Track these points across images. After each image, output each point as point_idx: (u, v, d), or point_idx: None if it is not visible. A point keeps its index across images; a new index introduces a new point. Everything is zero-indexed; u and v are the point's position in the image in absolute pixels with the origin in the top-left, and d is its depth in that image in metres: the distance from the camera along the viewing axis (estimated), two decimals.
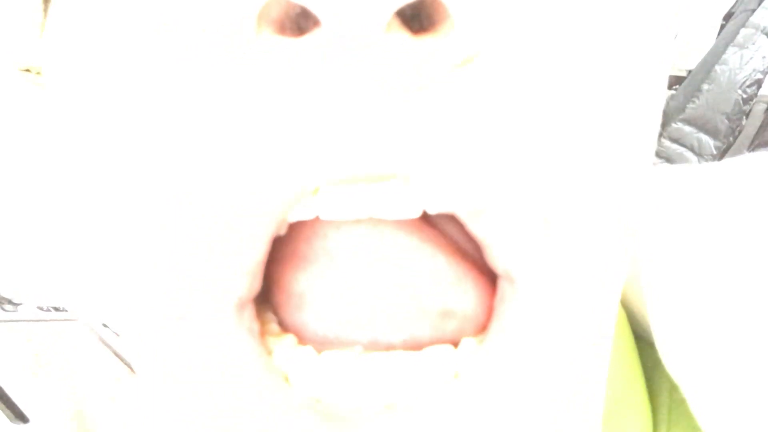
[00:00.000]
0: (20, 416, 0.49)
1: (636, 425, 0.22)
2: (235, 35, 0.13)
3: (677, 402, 0.22)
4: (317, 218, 0.15)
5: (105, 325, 0.64)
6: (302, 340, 0.15)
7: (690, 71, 1.31)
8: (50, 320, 0.67)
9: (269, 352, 0.15)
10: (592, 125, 0.14)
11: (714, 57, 1.27)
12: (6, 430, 0.48)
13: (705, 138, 1.30)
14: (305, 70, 0.12)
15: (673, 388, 0.22)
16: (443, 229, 0.17)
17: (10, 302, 0.66)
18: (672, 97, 1.36)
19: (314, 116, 0.13)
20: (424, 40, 0.12)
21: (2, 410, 0.49)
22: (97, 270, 0.16)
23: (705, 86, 1.27)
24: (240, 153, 0.13)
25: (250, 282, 0.14)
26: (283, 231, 0.15)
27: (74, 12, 0.15)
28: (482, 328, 0.16)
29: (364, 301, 0.15)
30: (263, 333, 0.15)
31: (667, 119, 1.35)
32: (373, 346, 0.15)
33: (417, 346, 0.15)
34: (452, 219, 0.15)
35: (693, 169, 0.25)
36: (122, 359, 0.66)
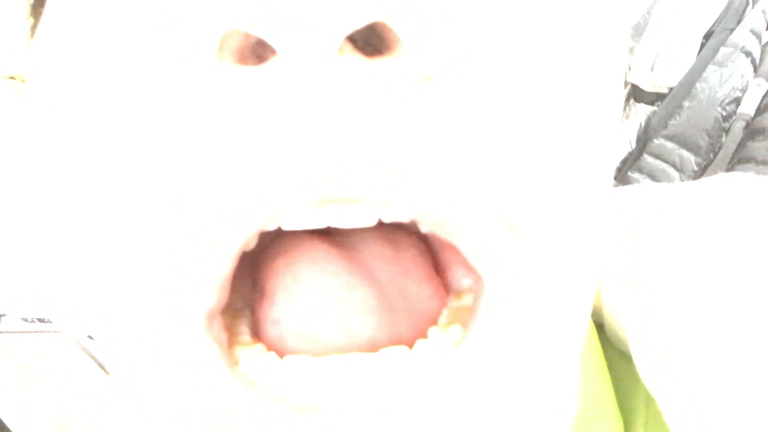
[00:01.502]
0: (5, 430, 0.49)
1: None
2: (198, 63, 0.13)
3: (653, 415, 0.23)
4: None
5: (90, 337, 0.63)
6: (276, 350, 0.16)
7: (671, 88, 1.34)
8: (34, 332, 0.66)
9: (235, 363, 0.16)
10: (549, 132, 0.15)
11: (694, 75, 1.29)
12: None
13: (686, 154, 1.32)
14: (267, 97, 0.13)
15: (650, 400, 0.23)
16: (408, 248, 0.18)
17: None
18: (654, 113, 1.38)
19: (278, 141, 0.13)
20: (378, 61, 0.13)
21: None
22: (78, 279, 0.17)
23: (686, 103, 1.30)
24: (211, 170, 0.14)
25: (218, 295, 0.15)
26: (251, 246, 0.15)
27: (69, 16, 0.16)
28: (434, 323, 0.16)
29: (325, 315, 0.16)
30: (233, 343, 0.16)
31: (649, 135, 1.37)
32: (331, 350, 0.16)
33: (376, 347, 0.16)
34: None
35: (668, 187, 0.25)
36: (106, 370, 0.65)
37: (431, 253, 0.18)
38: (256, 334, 0.17)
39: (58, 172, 0.16)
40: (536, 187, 0.15)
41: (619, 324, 0.23)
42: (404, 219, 0.15)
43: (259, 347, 0.16)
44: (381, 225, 0.15)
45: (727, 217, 0.22)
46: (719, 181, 0.25)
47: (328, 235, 0.18)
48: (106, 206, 0.15)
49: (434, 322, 0.16)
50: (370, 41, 0.13)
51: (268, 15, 0.12)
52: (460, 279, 0.17)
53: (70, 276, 0.17)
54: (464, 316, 0.16)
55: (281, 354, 0.16)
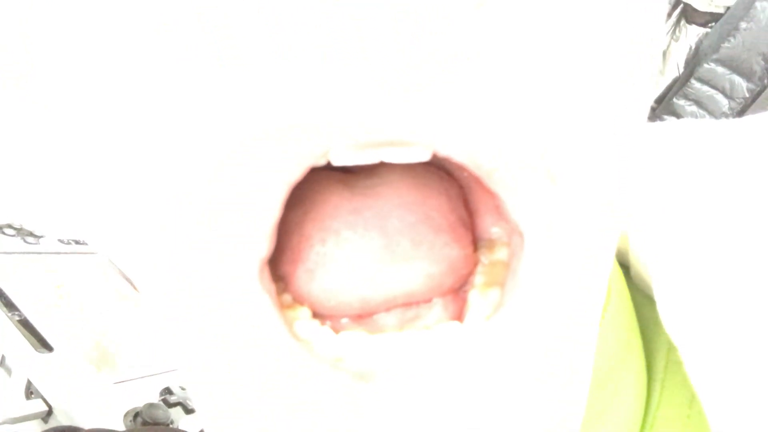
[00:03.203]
0: (45, 345, 0.52)
1: (630, 381, 0.22)
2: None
3: (674, 362, 0.22)
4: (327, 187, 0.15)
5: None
6: (313, 308, 0.16)
7: (728, 8, 1.25)
8: (71, 253, 0.69)
9: (290, 323, 0.16)
10: (593, 82, 0.14)
11: None
12: (31, 358, 0.50)
13: (738, 79, 1.25)
14: (314, 18, 0.12)
15: (671, 348, 0.22)
16: (440, 193, 0.17)
17: (31, 234, 0.68)
18: (706, 35, 1.30)
19: (328, 74, 0.12)
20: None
21: (27, 339, 0.52)
22: (122, 223, 0.17)
23: (743, 24, 1.21)
24: (268, 99, 0.13)
25: (269, 241, 0.15)
26: (301, 177, 0.15)
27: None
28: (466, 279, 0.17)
29: (364, 270, 0.16)
30: (279, 304, 0.16)
31: (698, 60, 1.29)
32: (373, 308, 0.16)
33: (414, 300, 0.16)
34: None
35: (707, 125, 0.24)
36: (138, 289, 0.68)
37: (463, 198, 0.18)
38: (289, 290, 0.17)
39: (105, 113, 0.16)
40: (580, 138, 0.14)
41: (644, 267, 0.22)
42: (453, 156, 0.14)
43: (305, 310, 0.16)
44: (412, 166, 0.15)
45: (763, 160, 0.21)
46: (759, 119, 0.23)
47: (349, 175, 0.17)
48: (157, 153, 0.15)
49: (457, 270, 0.16)
50: None
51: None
52: (490, 227, 0.17)
53: (112, 218, 0.17)
54: (500, 275, 0.16)
55: (321, 313, 0.16)
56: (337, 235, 0.17)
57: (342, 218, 0.17)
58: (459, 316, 0.16)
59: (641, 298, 0.25)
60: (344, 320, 0.17)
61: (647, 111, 0.17)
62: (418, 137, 0.13)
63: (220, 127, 0.13)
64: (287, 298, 0.16)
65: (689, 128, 0.24)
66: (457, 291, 0.17)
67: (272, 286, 0.16)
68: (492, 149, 0.14)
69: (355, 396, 0.15)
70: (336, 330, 0.16)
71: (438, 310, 0.16)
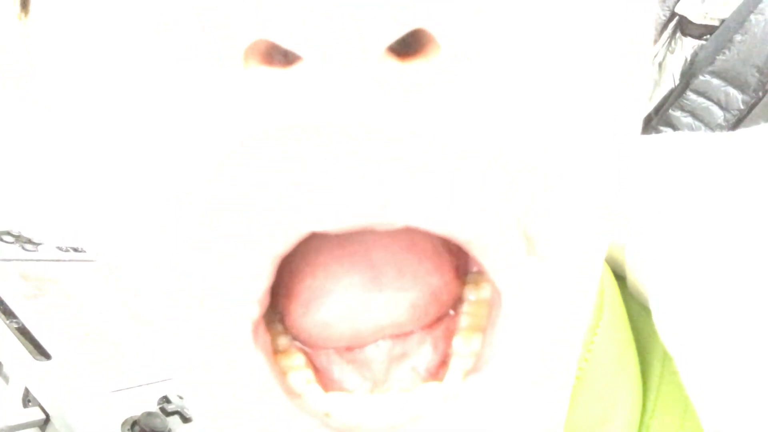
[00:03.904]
0: (43, 352, 0.52)
1: (626, 392, 0.22)
2: (223, 66, 0.13)
3: (669, 372, 0.23)
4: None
5: None
6: (307, 342, 0.17)
7: (723, 21, 1.26)
8: (70, 260, 0.69)
9: (284, 373, 0.16)
10: (570, 139, 0.14)
11: (749, 6, 1.21)
12: (29, 366, 0.50)
13: (733, 92, 1.26)
14: (299, 104, 0.12)
15: (667, 358, 0.22)
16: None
17: (30, 242, 0.68)
18: (702, 47, 1.31)
19: (314, 159, 0.13)
20: (413, 64, 0.12)
21: (25, 346, 0.52)
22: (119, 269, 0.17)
23: (738, 37, 1.22)
24: (253, 180, 0.13)
25: (262, 304, 0.15)
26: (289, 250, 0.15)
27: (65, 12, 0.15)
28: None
29: (354, 302, 0.17)
30: (274, 350, 0.17)
31: (694, 71, 1.30)
32: (363, 339, 0.17)
33: (402, 334, 0.17)
34: None
35: (703, 138, 0.24)
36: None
37: None
38: (287, 331, 0.17)
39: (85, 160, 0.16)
40: (559, 207, 0.14)
41: (640, 279, 0.23)
42: (436, 232, 0.14)
43: (299, 357, 0.17)
44: None
45: (758, 173, 0.21)
46: (753, 132, 0.24)
47: None
48: (144, 223, 0.15)
49: (439, 298, 0.17)
50: (405, 41, 0.12)
51: (302, 29, 0.11)
52: (474, 262, 0.17)
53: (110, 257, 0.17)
54: (483, 318, 0.16)
55: (316, 345, 0.17)
56: (326, 269, 0.17)
57: (328, 252, 0.17)
58: (445, 357, 0.16)
59: (637, 308, 0.25)
60: (334, 356, 0.17)
61: (640, 130, 0.17)
62: (397, 217, 0.14)
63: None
64: (284, 341, 0.17)
65: (684, 142, 0.24)
66: (443, 319, 0.17)
67: (267, 338, 0.16)
68: (467, 225, 0.14)
69: None
70: (326, 384, 0.16)
71: (427, 350, 0.17)
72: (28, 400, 0.48)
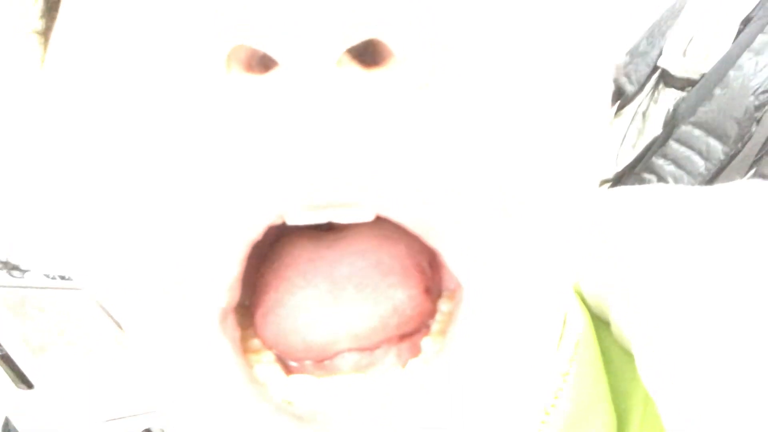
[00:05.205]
0: (25, 381, 0.51)
1: (598, 430, 0.23)
2: (208, 72, 0.14)
3: (650, 415, 0.23)
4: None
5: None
6: (277, 349, 0.17)
7: (703, 75, 1.30)
8: (56, 288, 0.68)
9: (250, 365, 0.17)
10: (534, 140, 0.15)
11: (729, 61, 1.26)
12: (11, 395, 0.49)
13: (714, 142, 1.30)
14: (270, 103, 0.14)
15: (648, 401, 0.23)
16: (399, 242, 0.18)
17: (17, 268, 0.67)
18: (683, 99, 1.35)
19: (280, 147, 0.14)
20: (374, 72, 0.14)
21: (8, 374, 0.51)
22: (91, 264, 0.18)
23: (718, 90, 1.26)
24: (220, 172, 0.15)
25: (231, 293, 0.16)
26: (259, 236, 0.16)
27: (83, 25, 0.17)
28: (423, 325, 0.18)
29: (308, 314, 0.17)
30: (245, 349, 0.17)
31: (676, 121, 1.34)
32: (331, 350, 0.17)
33: (369, 345, 0.17)
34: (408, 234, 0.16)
35: (684, 191, 0.25)
36: (123, 328, 0.67)
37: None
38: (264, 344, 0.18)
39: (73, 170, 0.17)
40: (527, 190, 0.15)
41: (623, 323, 0.23)
42: (399, 221, 0.15)
43: (268, 354, 0.17)
44: (379, 220, 0.16)
45: (736, 225, 0.22)
46: (734, 187, 0.25)
47: (321, 233, 0.19)
48: (120, 211, 0.16)
49: (402, 311, 0.17)
50: (368, 51, 0.14)
51: (271, 32, 0.13)
52: (450, 279, 0.18)
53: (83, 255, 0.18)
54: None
55: (283, 355, 0.17)
56: (289, 283, 0.18)
57: (297, 267, 0.18)
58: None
59: (620, 352, 0.25)
60: (308, 362, 0.18)
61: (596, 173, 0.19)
62: (359, 200, 0.15)
63: (186, 188, 0.15)
64: (256, 342, 0.18)
65: (666, 195, 0.25)
66: (411, 336, 0.18)
67: (236, 333, 0.17)
68: (423, 213, 0.15)
69: None
70: (289, 373, 0.17)
71: (392, 358, 0.17)
72: (8, 429, 0.47)
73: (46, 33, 0.20)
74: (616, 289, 0.24)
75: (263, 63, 0.14)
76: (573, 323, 0.24)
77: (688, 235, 0.23)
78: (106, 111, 0.16)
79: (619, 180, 1.38)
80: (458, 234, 0.15)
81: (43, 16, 0.21)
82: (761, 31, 1.23)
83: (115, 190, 0.16)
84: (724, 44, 1.27)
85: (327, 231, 0.19)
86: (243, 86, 0.14)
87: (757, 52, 1.23)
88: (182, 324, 0.16)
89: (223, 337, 0.16)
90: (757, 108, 1.24)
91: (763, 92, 1.23)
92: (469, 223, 0.15)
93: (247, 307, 0.18)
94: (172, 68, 0.15)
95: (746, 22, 1.26)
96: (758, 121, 1.26)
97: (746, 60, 1.23)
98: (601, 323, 0.26)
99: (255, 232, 0.15)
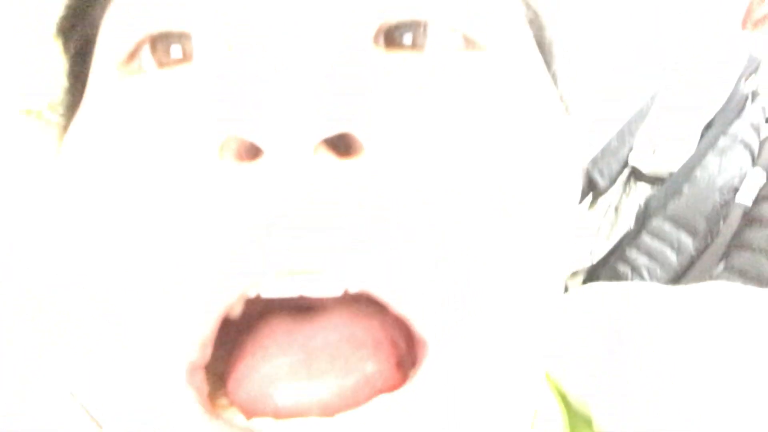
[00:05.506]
0: None
1: None
2: (204, 158, 0.18)
3: None
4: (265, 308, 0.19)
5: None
6: (243, 410, 0.19)
7: (671, 173, 1.36)
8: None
9: (217, 413, 0.18)
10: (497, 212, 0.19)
11: (694, 162, 1.32)
12: None
13: (684, 237, 1.34)
14: (252, 187, 0.17)
15: None
16: (373, 317, 0.20)
17: None
18: (654, 194, 1.40)
19: (258, 225, 0.17)
20: (345, 160, 0.17)
21: None
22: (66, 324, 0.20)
23: (685, 187, 1.32)
24: (203, 246, 0.17)
25: (200, 351, 0.18)
26: (236, 311, 0.19)
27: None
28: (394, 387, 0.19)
29: (280, 382, 0.19)
30: (215, 405, 0.19)
31: (648, 215, 1.38)
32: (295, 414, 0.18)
33: (332, 412, 0.18)
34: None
35: (654, 290, 0.27)
36: (95, 420, 0.64)
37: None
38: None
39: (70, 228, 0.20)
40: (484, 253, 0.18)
41: (580, 399, 0.24)
42: (366, 290, 0.18)
43: (233, 410, 0.19)
44: (356, 298, 0.18)
45: (708, 327, 0.24)
46: (706, 289, 0.26)
47: (303, 312, 0.20)
48: (107, 259, 0.19)
49: (373, 384, 0.19)
50: (342, 142, 0.17)
51: (259, 125, 0.16)
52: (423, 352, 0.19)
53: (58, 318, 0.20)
54: None
55: (249, 413, 0.18)
56: (265, 351, 0.19)
57: (274, 337, 0.19)
58: None
59: (579, 419, 0.26)
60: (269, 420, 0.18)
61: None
62: (325, 267, 0.17)
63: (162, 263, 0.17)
64: (224, 401, 0.19)
65: (638, 296, 0.27)
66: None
67: (205, 387, 0.19)
68: (387, 283, 0.17)
69: None
70: (249, 414, 0.18)
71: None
72: None
73: (67, 113, 0.24)
74: (598, 394, 0.24)
75: (252, 151, 0.17)
76: (545, 420, 0.25)
77: (667, 341, 0.24)
78: (127, 186, 0.19)
79: (594, 271, 1.41)
80: (421, 300, 0.17)
81: (66, 96, 0.24)
82: (723, 133, 1.31)
83: (124, 240, 0.18)
84: (689, 146, 1.34)
85: (306, 310, 0.20)
86: (231, 171, 0.17)
87: (721, 153, 1.29)
88: (152, 374, 0.18)
89: (189, 388, 0.18)
90: (723, 205, 1.30)
91: (728, 191, 1.29)
92: (434, 286, 0.17)
93: (220, 374, 0.20)
94: (179, 155, 0.18)
95: (708, 126, 1.34)
96: (725, 218, 1.31)
97: (711, 160, 1.30)
98: (580, 421, 0.26)
99: (229, 296, 0.17)
